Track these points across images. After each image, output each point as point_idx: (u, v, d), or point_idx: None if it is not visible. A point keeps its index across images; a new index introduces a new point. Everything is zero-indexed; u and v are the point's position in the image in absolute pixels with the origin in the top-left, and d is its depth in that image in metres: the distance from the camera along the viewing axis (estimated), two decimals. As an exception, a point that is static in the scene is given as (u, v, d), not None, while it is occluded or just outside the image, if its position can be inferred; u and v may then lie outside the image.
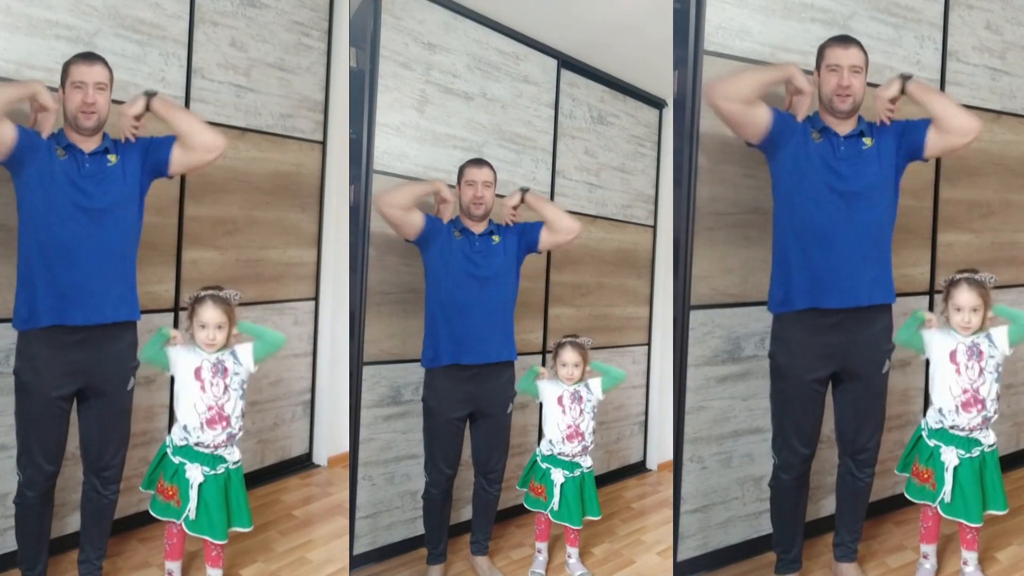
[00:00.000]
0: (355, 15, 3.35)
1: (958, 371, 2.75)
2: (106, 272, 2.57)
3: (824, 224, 2.65)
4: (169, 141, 2.65)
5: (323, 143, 4.03)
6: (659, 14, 3.17)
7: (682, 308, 2.98)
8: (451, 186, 3.08)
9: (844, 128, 2.69)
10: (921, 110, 2.71)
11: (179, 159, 2.66)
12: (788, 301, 2.72)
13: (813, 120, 2.72)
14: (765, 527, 3.06)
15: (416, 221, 2.98)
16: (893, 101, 2.71)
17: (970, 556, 2.86)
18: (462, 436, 3.09)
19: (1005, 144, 3.59)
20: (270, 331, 2.85)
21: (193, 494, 2.69)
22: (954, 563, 2.98)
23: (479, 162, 3.09)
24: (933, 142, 2.69)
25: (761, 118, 2.65)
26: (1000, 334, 2.74)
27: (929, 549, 2.93)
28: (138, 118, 2.63)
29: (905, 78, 2.70)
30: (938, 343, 2.79)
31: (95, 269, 2.54)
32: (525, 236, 3.12)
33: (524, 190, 3.13)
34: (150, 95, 2.65)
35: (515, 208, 3.11)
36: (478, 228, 3.04)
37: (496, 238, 3.06)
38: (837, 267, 2.65)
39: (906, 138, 2.72)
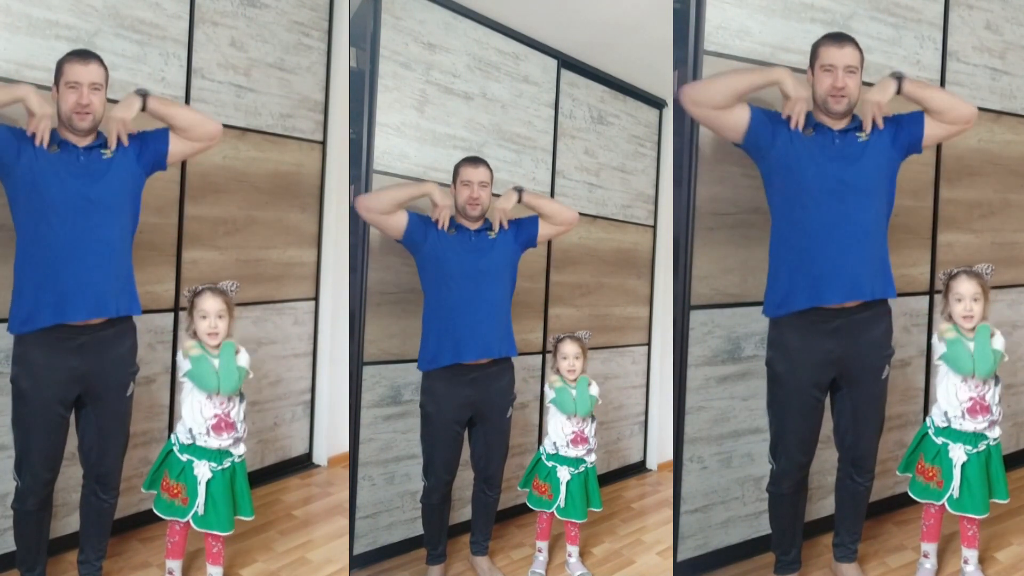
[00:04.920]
0: (355, 15, 3.35)
1: (963, 379, 2.75)
2: (106, 267, 2.54)
3: (822, 220, 2.62)
4: (164, 134, 2.64)
5: (323, 143, 4.03)
6: (659, 14, 3.17)
7: (682, 308, 2.97)
8: (445, 185, 3.07)
9: (838, 125, 2.67)
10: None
11: (178, 149, 2.66)
12: (787, 302, 2.67)
13: (806, 118, 2.67)
14: (765, 527, 3.06)
15: (399, 222, 2.91)
16: (876, 110, 2.63)
17: (970, 554, 2.86)
18: (461, 442, 3.06)
19: (1005, 144, 3.59)
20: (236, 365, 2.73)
21: (201, 490, 2.69)
22: (954, 563, 2.98)
23: (475, 161, 3.02)
24: (933, 132, 2.68)
25: (738, 121, 2.61)
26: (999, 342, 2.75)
27: (930, 548, 2.93)
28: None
29: (899, 78, 2.64)
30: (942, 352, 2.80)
31: (95, 264, 2.51)
32: (522, 231, 3.07)
33: (519, 190, 3.06)
34: (143, 95, 2.60)
35: (508, 210, 3.03)
36: (473, 225, 3.01)
37: (492, 233, 3.02)
38: (837, 263, 2.62)
39: (902, 132, 2.68)
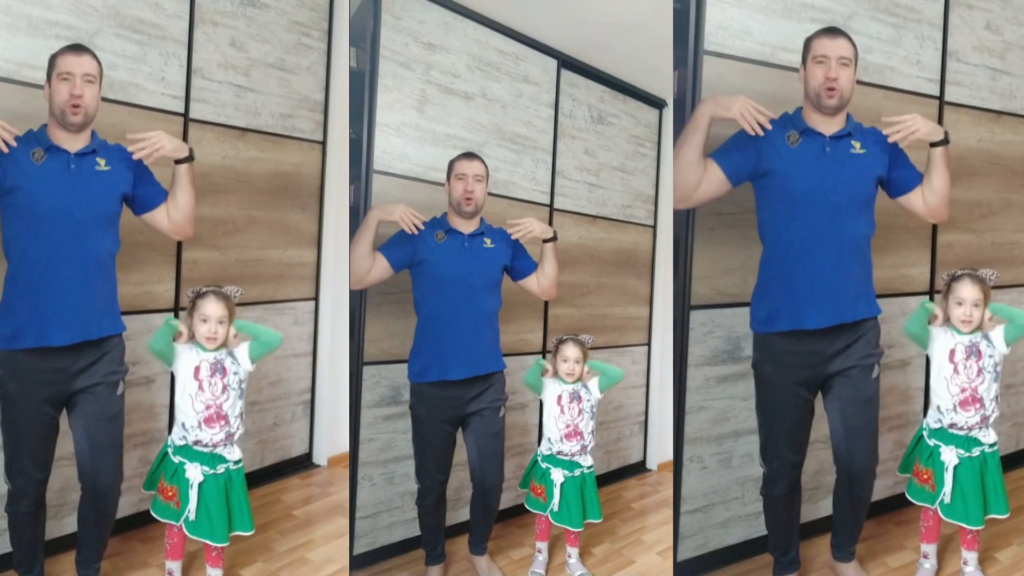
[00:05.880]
0: (355, 15, 3.35)
1: (956, 370, 2.74)
2: (91, 286, 2.48)
3: (810, 235, 2.58)
4: (162, 192, 2.64)
5: (323, 143, 4.03)
6: (659, 14, 3.18)
7: (682, 308, 2.97)
8: (441, 185, 3.06)
9: (830, 127, 2.60)
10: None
11: (160, 216, 2.63)
12: (771, 321, 2.66)
13: (793, 120, 2.63)
14: (764, 527, 3.06)
15: (382, 265, 2.88)
16: (910, 135, 2.56)
17: (970, 556, 2.86)
18: (453, 442, 3.03)
19: (1005, 144, 3.59)
20: (267, 330, 2.79)
21: (193, 494, 2.68)
22: (954, 563, 2.98)
23: (469, 155, 2.99)
24: (914, 198, 2.65)
25: (716, 174, 2.58)
26: (997, 334, 2.74)
27: (929, 548, 2.92)
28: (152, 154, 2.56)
29: (946, 139, 2.60)
30: (939, 341, 2.78)
31: (81, 282, 2.45)
32: (517, 257, 3.04)
33: (554, 238, 3.03)
34: (191, 156, 2.61)
35: (535, 231, 2.98)
36: (467, 227, 2.96)
37: (488, 241, 2.99)
38: (823, 284, 2.58)
39: (898, 168, 2.65)
